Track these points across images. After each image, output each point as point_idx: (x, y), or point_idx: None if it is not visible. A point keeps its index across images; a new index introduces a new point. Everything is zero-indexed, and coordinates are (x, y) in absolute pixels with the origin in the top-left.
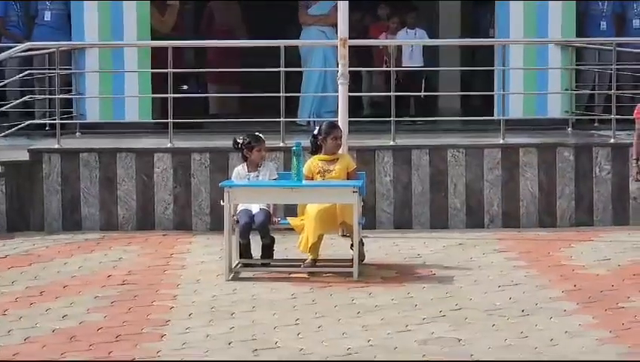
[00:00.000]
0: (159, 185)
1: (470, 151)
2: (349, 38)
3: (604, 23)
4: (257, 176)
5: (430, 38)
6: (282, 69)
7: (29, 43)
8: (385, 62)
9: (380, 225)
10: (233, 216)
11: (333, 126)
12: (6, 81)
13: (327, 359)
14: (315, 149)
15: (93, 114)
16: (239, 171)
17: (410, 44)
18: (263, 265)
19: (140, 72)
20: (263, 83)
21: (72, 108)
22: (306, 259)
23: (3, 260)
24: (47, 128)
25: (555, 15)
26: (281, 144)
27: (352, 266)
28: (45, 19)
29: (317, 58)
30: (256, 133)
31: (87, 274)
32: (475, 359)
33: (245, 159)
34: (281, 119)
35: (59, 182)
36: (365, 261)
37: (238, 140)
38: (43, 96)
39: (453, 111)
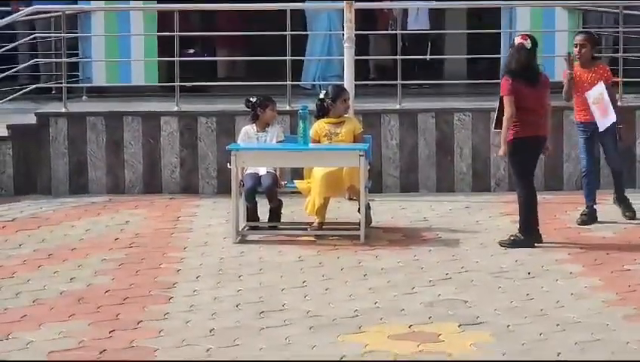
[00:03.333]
0: (166, 149)
1: (476, 114)
2: (355, 1)
3: None
4: (266, 135)
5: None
6: (288, 32)
7: (34, 6)
8: (390, 25)
9: (386, 188)
10: (240, 179)
11: (342, 89)
12: (10, 45)
13: (334, 321)
14: (322, 113)
15: (99, 77)
16: (248, 130)
17: (415, 6)
18: (270, 228)
19: (146, 36)
20: (269, 47)
21: (78, 72)
22: (312, 222)
23: (10, 223)
24: (53, 92)
25: None
26: (288, 107)
27: (358, 229)
28: None
29: (322, 22)
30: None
31: (95, 237)
32: (481, 321)
33: (256, 118)
34: (287, 82)
35: (65, 145)
36: (372, 224)
37: (251, 99)
38: (49, 60)
39: (459, 74)
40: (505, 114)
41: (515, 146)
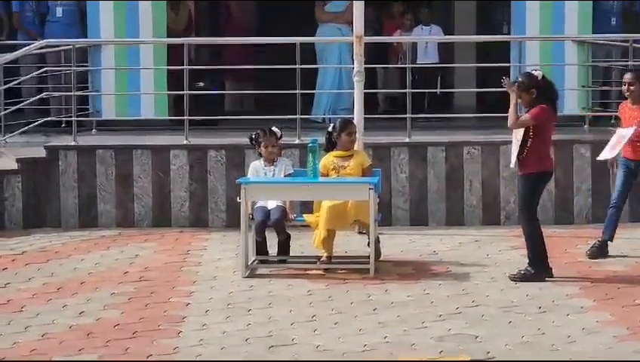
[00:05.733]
0: (175, 182)
1: (486, 147)
2: (364, 36)
3: (614, 18)
4: (273, 170)
5: (445, 35)
6: (298, 66)
7: (45, 40)
8: (399, 58)
9: (395, 221)
10: (249, 212)
11: (348, 122)
12: (22, 78)
13: (345, 355)
14: (330, 146)
15: (109, 111)
16: (256, 165)
17: (424, 40)
18: (280, 261)
19: (155, 69)
20: (278, 80)
21: (88, 105)
22: (322, 256)
23: (20, 256)
24: (63, 125)
25: (571, 12)
26: (297, 141)
27: (368, 263)
28: (57, 15)
29: (332, 55)
30: (271, 128)
31: (104, 271)
32: (492, 356)
33: (260, 155)
34: (297, 116)
35: (75, 178)
36: (381, 258)
37: (252, 135)
38: (59, 93)
39: (468, 108)
40: (510, 117)
41: (537, 179)
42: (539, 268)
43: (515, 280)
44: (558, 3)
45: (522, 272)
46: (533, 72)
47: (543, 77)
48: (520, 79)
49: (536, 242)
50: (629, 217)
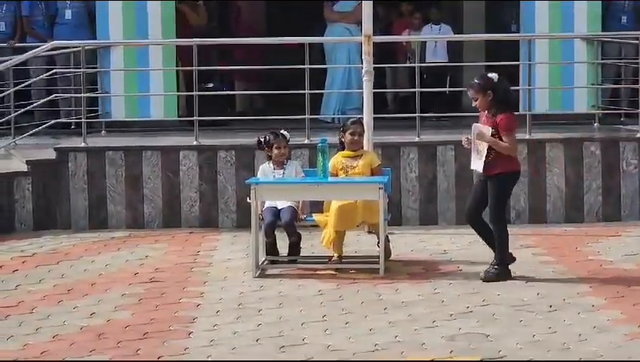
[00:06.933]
0: (185, 183)
1: None
2: (373, 35)
3: (625, 17)
4: (283, 173)
5: (454, 34)
6: (307, 66)
7: (54, 42)
8: (408, 58)
9: (405, 221)
10: (259, 213)
11: (353, 122)
12: (31, 80)
13: (355, 355)
14: (342, 146)
15: (118, 112)
16: (265, 169)
17: (433, 39)
18: (290, 261)
19: (165, 70)
20: (287, 80)
21: (97, 106)
22: (332, 256)
23: (30, 258)
24: (72, 127)
25: (580, 11)
26: (306, 141)
27: (378, 262)
28: (66, 17)
29: (341, 55)
30: (280, 131)
31: (115, 272)
32: (503, 355)
33: (269, 157)
34: (306, 116)
35: (85, 180)
36: (391, 257)
37: (261, 138)
38: (69, 95)
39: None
40: (510, 149)
41: (507, 179)
42: (505, 267)
43: (486, 281)
44: (567, 2)
45: (491, 272)
46: (489, 74)
47: (499, 79)
48: (476, 81)
49: (504, 242)
50: (639, 215)
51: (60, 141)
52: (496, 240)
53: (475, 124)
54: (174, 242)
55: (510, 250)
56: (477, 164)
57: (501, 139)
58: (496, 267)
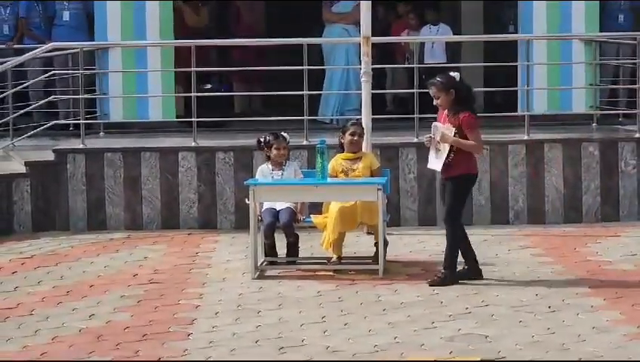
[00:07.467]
0: (184, 184)
1: (494, 147)
2: (371, 36)
3: (622, 16)
4: (281, 174)
5: (453, 35)
6: (305, 67)
7: (53, 43)
8: (406, 58)
9: (404, 222)
10: (258, 214)
11: (352, 123)
12: (30, 82)
13: (355, 356)
14: (342, 148)
15: (117, 114)
16: (263, 169)
17: (431, 40)
18: (289, 263)
19: (163, 72)
20: (286, 81)
21: (95, 108)
22: (331, 257)
23: (29, 260)
24: (71, 128)
25: (577, 11)
26: (305, 142)
27: (377, 263)
28: (64, 19)
29: (340, 56)
30: (279, 132)
31: (113, 274)
32: (502, 356)
33: (268, 158)
34: (305, 117)
35: (83, 181)
36: (391, 258)
37: (261, 139)
38: (67, 96)
39: (475, 107)
40: (477, 147)
41: (465, 181)
42: (453, 270)
43: (431, 286)
44: (565, 2)
45: (439, 277)
46: (451, 73)
47: (461, 79)
48: (438, 79)
49: (456, 245)
50: (637, 216)
51: (59, 142)
52: (448, 241)
53: (435, 123)
54: (173, 243)
55: (508, 252)
56: (435, 164)
57: (465, 138)
58: (443, 271)
